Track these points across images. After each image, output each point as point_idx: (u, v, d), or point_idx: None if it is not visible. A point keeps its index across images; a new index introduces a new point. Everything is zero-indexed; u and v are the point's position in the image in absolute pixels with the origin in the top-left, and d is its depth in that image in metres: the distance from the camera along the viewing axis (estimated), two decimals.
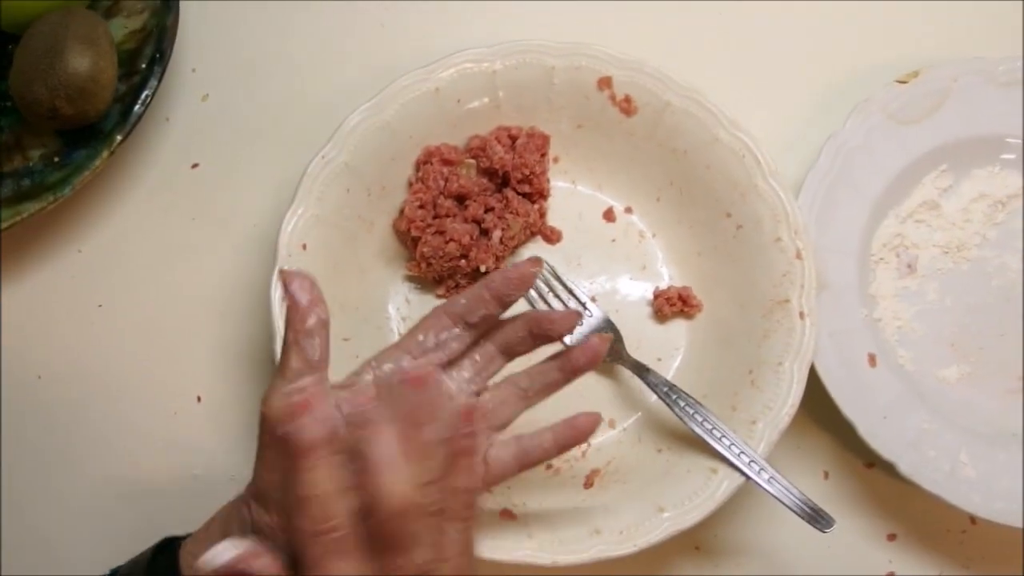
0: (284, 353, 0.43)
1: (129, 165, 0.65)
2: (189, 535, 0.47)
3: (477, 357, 0.48)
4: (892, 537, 0.61)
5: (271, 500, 0.42)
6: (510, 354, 0.49)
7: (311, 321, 0.42)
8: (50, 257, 0.63)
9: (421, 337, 0.47)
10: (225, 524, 0.45)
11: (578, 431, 0.49)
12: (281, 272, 0.44)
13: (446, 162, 0.61)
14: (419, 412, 0.41)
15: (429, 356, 0.47)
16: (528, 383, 0.49)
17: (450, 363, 0.48)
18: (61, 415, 0.61)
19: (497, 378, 0.50)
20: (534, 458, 0.49)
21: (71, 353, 0.62)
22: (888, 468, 0.58)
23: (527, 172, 0.61)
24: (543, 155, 0.62)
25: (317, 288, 0.43)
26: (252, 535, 0.42)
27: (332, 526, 0.39)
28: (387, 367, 0.46)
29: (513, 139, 0.62)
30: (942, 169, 0.64)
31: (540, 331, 0.49)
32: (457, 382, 0.47)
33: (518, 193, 0.61)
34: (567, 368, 0.49)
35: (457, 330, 0.48)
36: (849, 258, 0.62)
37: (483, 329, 0.48)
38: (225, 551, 0.39)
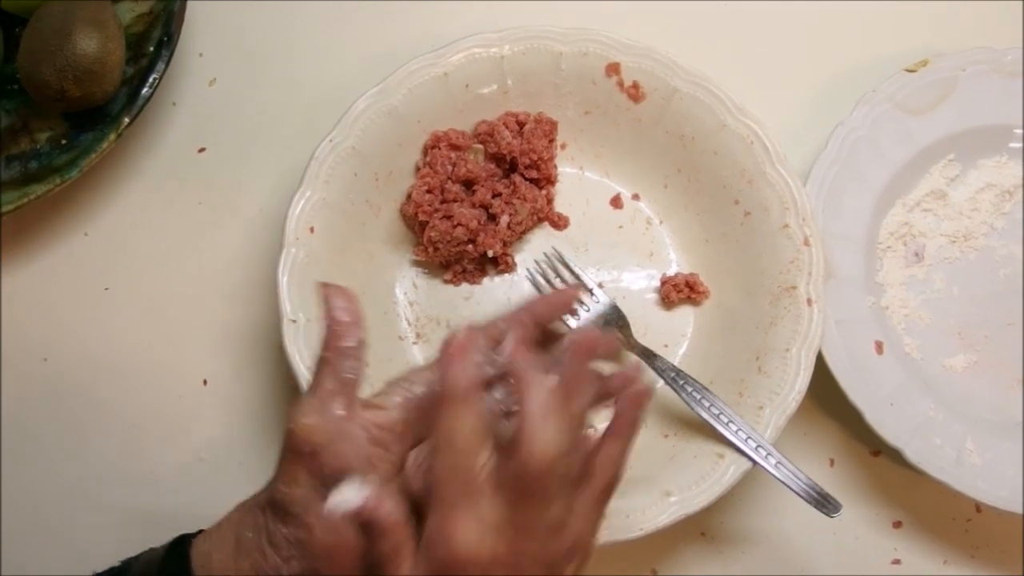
0: (318, 371, 0.42)
1: (136, 149, 0.65)
2: (200, 531, 0.47)
3: (512, 379, 0.47)
4: (898, 525, 0.61)
5: (289, 514, 0.42)
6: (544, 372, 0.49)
7: (350, 342, 0.42)
8: (56, 240, 0.63)
9: None
10: (238, 528, 0.44)
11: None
12: (322, 286, 0.43)
13: (454, 147, 0.61)
14: (579, 379, 0.41)
15: None
16: None
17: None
18: (66, 398, 0.61)
19: None
20: None
21: (77, 336, 0.62)
22: (894, 456, 0.58)
23: (535, 158, 0.61)
24: (551, 141, 0.62)
25: (358, 307, 0.43)
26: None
27: (474, 471, 0.39)
28: (418, 389, 0.45)
29: (521, 125, 0.62)
30: (949, 159, 0.64)
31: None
32: (489, 403, 0.46)
33: (526, 179, 0.61)
34: (601, 393, 0.47)
35: (494, 354, 0.47)
36: (856, 246, 0.62)
37: None
38: (351, 496, 0.39)
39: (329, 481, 0.41)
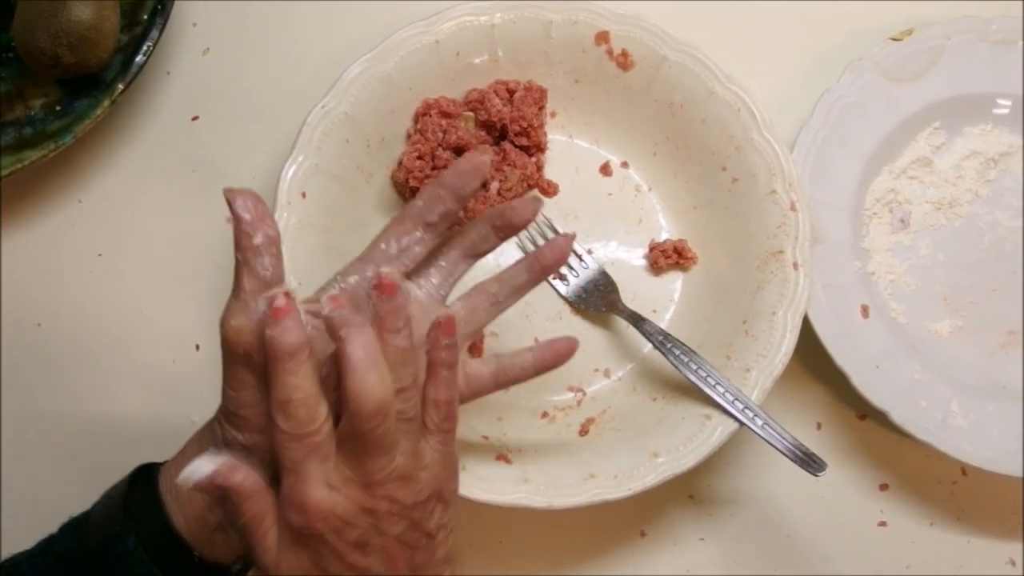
0: (236, 274, 0.43)
1: (130, 117, 0.65)
2: (166, 461, 0.47)
3: (443, 263, 0.49)
4: (884, 487, 0.61)
5: (240, 418, 0.43)
6: (475, 255, 0.49)
7: (258, 239, 0.42)
8: (51, 206, 0.64)
9: (383, 245, 0.47)
10: (201, 446, 0.45)
11: (557, 353, 0.49)
12: (225, 191, 0.43)
13: (445, 114, 0.62)
14: (392, 318, 0.41)
15: (394, 263, 0.47)
16: (497, 288, 0.49)
17: (417, 271, 0.48)
18: (60, 363, 0.62)
19: (466, 286, 0.50)
20: (512, 376, 0.49)
21: (71, 301, 0.62)
22: (880, 419, 0.59)
23: (524, 125, 0.61)
24: (540, 108, 0.63)
25: (263, 205, 0.43)
26: (227, 450, 0.43)
27: (314, 429, 0.40)
28: (352, 279, 0.46)
29: (511, 93, 0.63)
30: (935, 127, 0.65)
31: (503, 222, 0.48)
32: (427, 289, 0.48)
33: (516, 146, 0.62)
34: (535, 268, 0.49)
35: (419, 233, 0.47)
36: (843, 213, 0.62)
37: (444, 229, 0.48)
38: (204, 465, 0.40)
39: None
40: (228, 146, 0.65)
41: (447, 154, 0.61)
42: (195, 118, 0.66)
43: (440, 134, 0.61)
